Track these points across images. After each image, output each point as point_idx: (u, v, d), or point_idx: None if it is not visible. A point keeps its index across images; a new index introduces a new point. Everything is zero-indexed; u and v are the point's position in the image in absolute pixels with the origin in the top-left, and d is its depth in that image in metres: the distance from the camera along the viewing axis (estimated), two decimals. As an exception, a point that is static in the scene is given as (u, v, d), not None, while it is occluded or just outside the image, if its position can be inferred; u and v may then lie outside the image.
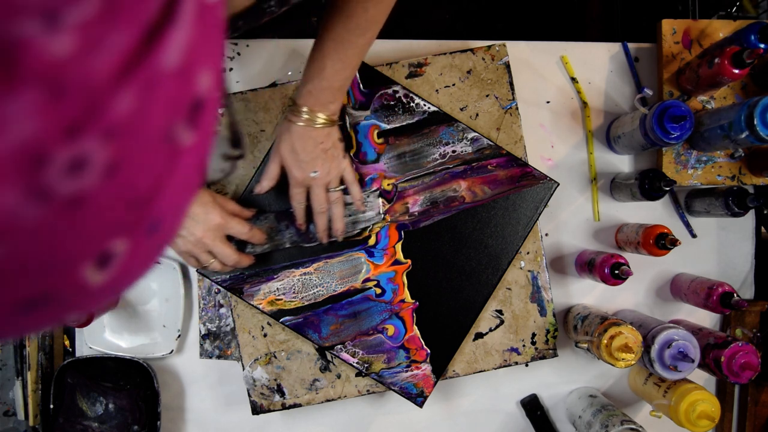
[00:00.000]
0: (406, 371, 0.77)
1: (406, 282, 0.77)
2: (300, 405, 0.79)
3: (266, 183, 0.73)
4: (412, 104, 0.78)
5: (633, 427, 0.72)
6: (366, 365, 0.77)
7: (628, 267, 0.74)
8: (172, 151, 0.18)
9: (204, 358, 0.83)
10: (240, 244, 0.73)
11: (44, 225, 0.15)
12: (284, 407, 0.79)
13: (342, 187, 0.73)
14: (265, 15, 0.58)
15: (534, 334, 0.80)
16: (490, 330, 0.80)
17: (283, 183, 0.75)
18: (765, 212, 0.87)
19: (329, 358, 0.79)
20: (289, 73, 0.85)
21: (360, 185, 0.77)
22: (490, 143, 0.78)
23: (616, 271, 0.74)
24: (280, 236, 0.76)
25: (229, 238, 0.72)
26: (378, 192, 0.77)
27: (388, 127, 0.78)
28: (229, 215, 0.71)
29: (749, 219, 0.86)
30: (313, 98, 0.66)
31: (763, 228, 0.88)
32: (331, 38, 0.63)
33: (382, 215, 0.77)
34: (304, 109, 0.66)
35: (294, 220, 0.75)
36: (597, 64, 0.87)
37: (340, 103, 0.68)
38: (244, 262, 0.72)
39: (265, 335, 0.79)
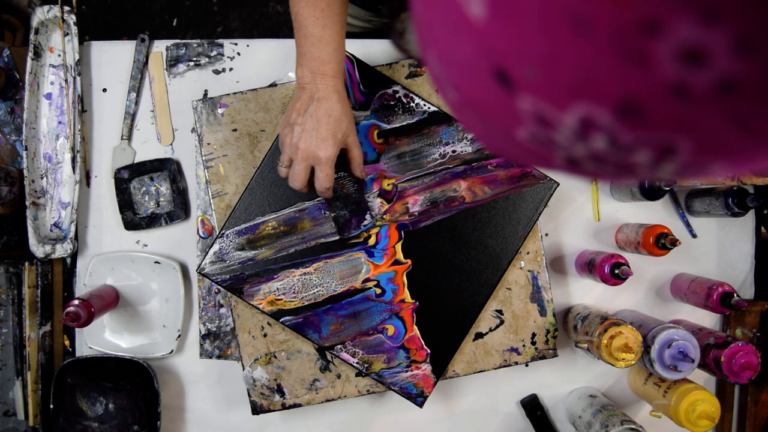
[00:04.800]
0: (406, 371, 0.77)
1: (406, 282, 0.77)
2: (300, 405, 0.79)
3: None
4: (412, 104, 0.78)
5: (633, 427, 0.72)
6: (366, 365, 0.77)
7: (628, 267, 0.74)
8: None
9: (204, 358, 0.83)
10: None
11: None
12: (284, 407, 0.79)
13: None
14: None
15: (534, 334, 0.80)
16: (490, 330, 0.80)
17: (279, 182, 0.74)
18: (765, 212, 0.87)
19: (329, 358, 0.79)
20: (290, 74, 0.85)
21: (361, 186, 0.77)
22: (490, 143, 0.77)
23: (616, 271, 0.74)
24: (336, 208, 0.76)
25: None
26: (378, 192, 0.77)
27: (388, 127, 0.78)
28: (330, 163, 0.65)
29: (749, 219, 0.86)
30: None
31: (763, 228, 0.87)
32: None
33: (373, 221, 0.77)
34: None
35: (359, 212, 0.75)
36: (597, 64, 0.87)
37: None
38: (303, 189, 0.67)
39: (265, 335, 0.79)
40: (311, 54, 0.63)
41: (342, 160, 0.70)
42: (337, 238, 0.77)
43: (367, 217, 0.76)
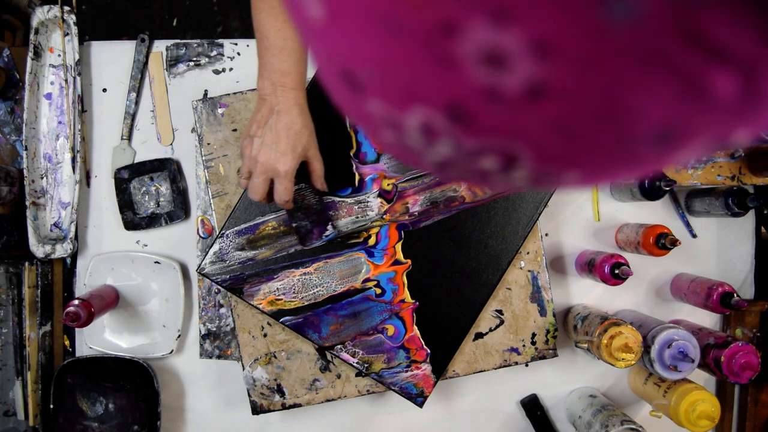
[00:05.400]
0: (406, 371, 0.77)
1: (406, 282, 0.77)
2: (300, 405, 0.79)
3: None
4: (412, 104, 0.77)
5: (633, 427, 0.72)
6: (366, 365, 0.77)
7: (628, 267, 0.74)
8: None
9: (204, 358, 0.83)
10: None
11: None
12: (284, 407, 0.79)
13: None
14: None
15: (534, 334, 0.80)
16: (490, 330, 0.80)
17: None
18: (765, 212, 0.87)
19: (329, 358, 0.79)
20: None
21: (360, 186, 0.77)
22: (490, 143, 0.77)
23: (616, 271, 0.74)
24: (297, 218, 0.75)
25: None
26: (377, 192, 0.77)
27: (388, 127, 0.77)
28: (289, 176, 0.65)
29: (749, 219, 0.86)
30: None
31: (763, 228, 0.87)
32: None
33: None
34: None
35: (320, 222, 0.75)
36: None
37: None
38: (262, 200, 0.67)
39: (265, 335, 0.79)
40: (272, 65, 0.62)
41: (304, 172, 0.70)
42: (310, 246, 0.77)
43: (329, 227, 0.76)
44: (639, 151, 0.15)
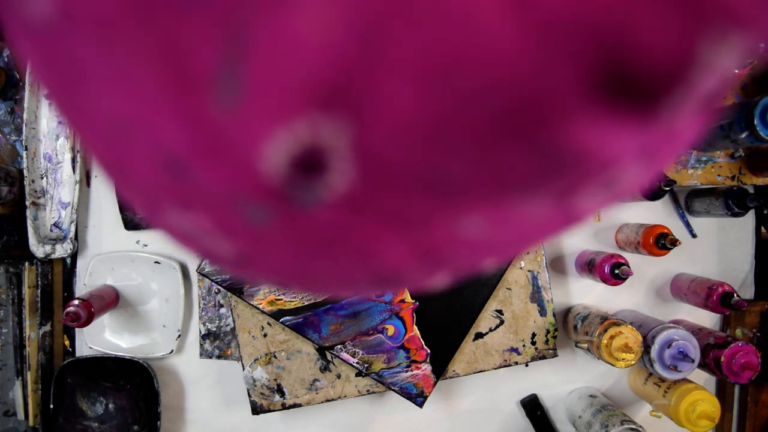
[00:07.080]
0: (406, 371, 0.77)
1: (406, 282, 0.77)
2: (300, 405, 0.79)
3: None
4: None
5: (633, 427, 0.72)
6: (366, 365, 0.77)
7: (628, 267, 0.74)
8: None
9: (204, 358, 0.83)
10: None
11: None
12: (284, 407, 0.79)
13: None
14: None
15: (534, 334, 0.80)
16: (490, 330, 0.80)
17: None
18: (765, 212, 0.87)
19: (329, 358, 0.79)
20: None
21: None
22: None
23: (616, 271, 0.74)
24: None
25: None
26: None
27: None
28: None
29: (749, 219, 0.86)
30: None
31: (763, 228, 0.87)
32: None
33: None
34: None
35: None
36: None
37: None
38: None
39: (265, 335, 0.79)
40: None
41: None
42: None
43: None
44: (368, 288, 0.18)
